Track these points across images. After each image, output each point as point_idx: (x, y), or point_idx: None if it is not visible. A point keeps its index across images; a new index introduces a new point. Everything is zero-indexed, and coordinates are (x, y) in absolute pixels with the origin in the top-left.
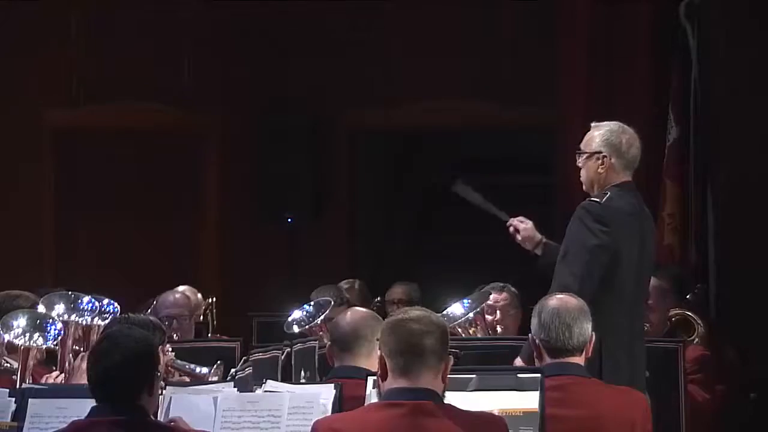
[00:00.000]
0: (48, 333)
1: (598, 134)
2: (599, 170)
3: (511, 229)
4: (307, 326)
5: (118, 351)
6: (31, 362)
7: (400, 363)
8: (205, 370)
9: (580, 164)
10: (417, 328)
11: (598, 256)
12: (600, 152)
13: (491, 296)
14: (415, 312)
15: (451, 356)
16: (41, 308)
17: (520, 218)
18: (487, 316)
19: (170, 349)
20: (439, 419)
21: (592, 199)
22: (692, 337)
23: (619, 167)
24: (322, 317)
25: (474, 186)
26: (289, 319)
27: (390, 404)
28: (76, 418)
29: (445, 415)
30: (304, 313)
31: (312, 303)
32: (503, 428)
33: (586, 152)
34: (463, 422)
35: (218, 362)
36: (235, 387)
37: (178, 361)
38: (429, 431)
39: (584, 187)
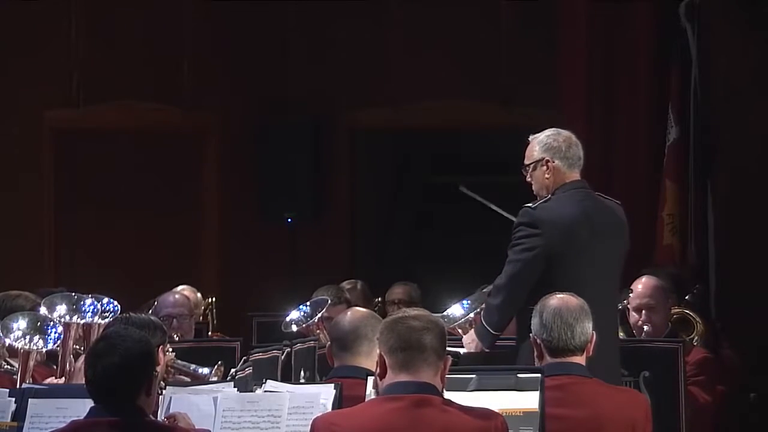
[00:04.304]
0: (48, 336)
1: (536, 143)
2: (546, 176)
3: None
4: (304, 325)
5: (116, 351)
6: (31, 363)
7: (401, 358)
8: (206, 370)
9: (528, 179)
10: (417, 325)
11: (529, 260)
12: (543, 158)
13: None
14: (414, 311)
15: (449, 356)
16: (43, 310)
17: None
18: None
19: (171, 350)
20: (439, 412)
21: (526, 204)
22: (692, 336)
23: (565, 168)
24: (319, 316)
25: (474, 186)
26: (287, 319)
27: (390, 398)
28: (75, 418)
29: (444, 408)
30: (302, 312)
31: (309, 302)
32: (502, 423)
33: (531, 163)
34: (463, 416)
35: (219, 363)
36: (235, 387)
37: (179, 362)
38: (429, 424)
39: (538, 199)
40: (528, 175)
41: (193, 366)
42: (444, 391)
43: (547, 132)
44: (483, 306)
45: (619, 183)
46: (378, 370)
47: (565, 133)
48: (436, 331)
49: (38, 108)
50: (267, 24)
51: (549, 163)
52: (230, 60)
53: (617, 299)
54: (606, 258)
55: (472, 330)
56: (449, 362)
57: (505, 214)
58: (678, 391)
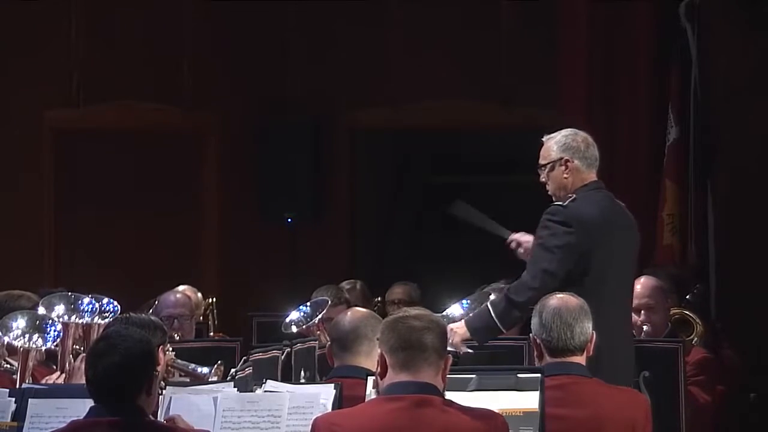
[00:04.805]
0: (47, 334)
1: (554, 143)
2: (565, 176)
3: (513, 244)
4: (304, 326)
5: (116, 351)
6: (30, 363)
7: (401, 358)
8: (205, 370)
9: (544, 179)
10: (418, 325)
11: (561, 257)
12: (561, 158)
13: (491, 297)
14: (415, 311)
15: (450, 356)
16: (41, 310)
17: (522, 233)
18: None
19: (171, 349)
20: (440, 412)
21: (556, 203)
22: (691, 337)
23: (583, 168)
24: (319, 317)
25: (474, 185)
26: (287, 320)
27: (391, 398)
28: (75, 418)
29: (445, 408)
30: (302, 313)
31: (309, 303)
32: (503, 423)
33: (548, 163)
34: (464, 416)
35: (219, 362)
36: (235, 387)
37: (179, 361)
38: (429, 424)
39: (554, 200)
40: (544, 175)
41: (192, 365)
42: (445, 390)
43: (565, 132)
44: (494, 301)
45: (619, 183)
46: (379, 370)
47: (582, 133)
48: (437, 331)
49: (38, 108)
50: (267, 24)
51: (568, 163)
52: (230, 60)
53: (631, 300)
54: (624, 258)
55: (462, 323)
56: (450, 361)
57: (498, 231)
58: (678, 391)
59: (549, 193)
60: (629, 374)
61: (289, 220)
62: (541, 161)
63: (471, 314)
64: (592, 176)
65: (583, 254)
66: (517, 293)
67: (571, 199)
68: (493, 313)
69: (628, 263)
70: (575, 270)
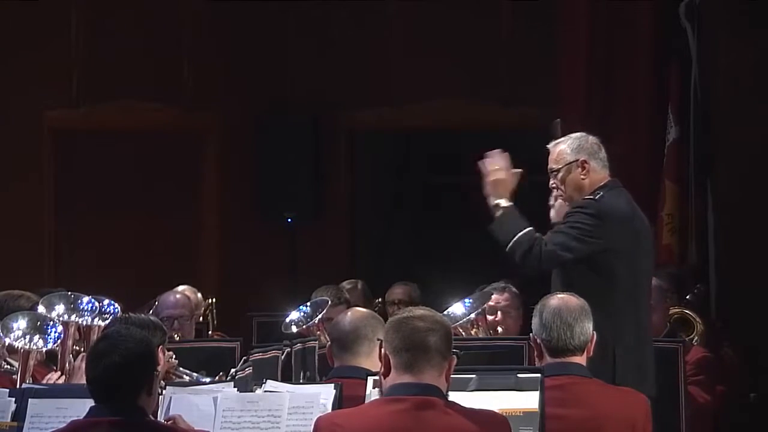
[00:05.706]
0: (48, 335)
1: (566, 146)
2: (582, 176)
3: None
4: (304, 326)
5: (117, 351)
6: (31, 363)
7: (405, 359)
8: (206, 380)
9: (555, 184)
10: (422, 326)
11: (582, 245)
12: (578, 159)
13: (492, 297)
14: (420, 311)
15: (454, 356)
16: (41, 309)
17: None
18: (488, 317)
19: (173, 356)
20: (442, 414)
21: (587, 197)
22: (692, 336)
23: (599, 168)
24: (319, 317)
25: (473, 186)
26: (287, 320)
27: (393, 400)
28: (75, 418)
29: (447, 410)
30: (302, 313)
31: (309, 303)
32: (505, 425)
33: (563, 166)
34: (466, 418)
35: (220, 373)
36: (235, 387)
37: (180, 369)
38: (431, 426)
39: (569, 205)
40: (556, 180)
41: (194, 374)
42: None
43: (574, 135)
44: (528, 233)
45: None
46: (383, 369)
47: (591, 136)
48: (441, 332)
49: (38, 108)
50: (267, 24)
51: (585, 164)
52: (230, 60)
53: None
54: (647, 256)
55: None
56: (454, 362)
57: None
58: (678, 390)
59: (563, 198)
60: (651, 372)
61: (289, 220)
62: (554, 165)
63: (511, 220)
64: (606, 176)
65: (610, 250)
66: (522, 255)
67: (600, 195)
68: (514, 238)
69: (650, 261)
70: (605, 266)
